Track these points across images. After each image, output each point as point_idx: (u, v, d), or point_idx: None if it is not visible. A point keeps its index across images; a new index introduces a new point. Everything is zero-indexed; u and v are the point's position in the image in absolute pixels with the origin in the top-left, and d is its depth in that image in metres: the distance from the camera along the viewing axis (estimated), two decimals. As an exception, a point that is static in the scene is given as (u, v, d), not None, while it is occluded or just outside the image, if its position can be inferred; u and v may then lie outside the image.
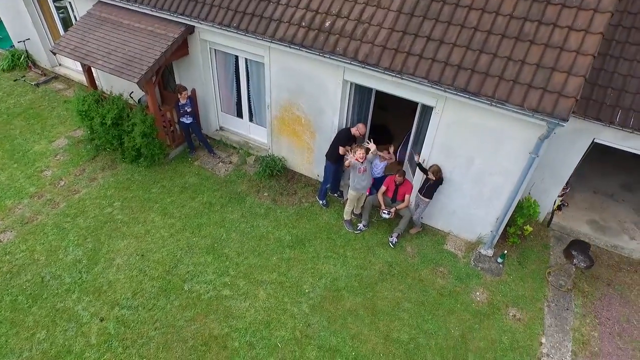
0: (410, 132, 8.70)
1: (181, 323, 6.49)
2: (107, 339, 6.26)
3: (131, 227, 7.91)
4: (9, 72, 12.23)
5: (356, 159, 7.40)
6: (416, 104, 7.52)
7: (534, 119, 5.88)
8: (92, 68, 9.26)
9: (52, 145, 9.71)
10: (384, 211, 7.89)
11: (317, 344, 6.32)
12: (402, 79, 6.49)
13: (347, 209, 8.07)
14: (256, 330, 6.45)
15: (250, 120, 9.59)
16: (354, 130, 7.77)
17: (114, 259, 7.33)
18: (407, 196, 7.95)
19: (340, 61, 6.86)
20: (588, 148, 7.46)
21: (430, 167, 7.31)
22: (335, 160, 7.98)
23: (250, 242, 7.74)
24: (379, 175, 8.45)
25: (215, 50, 8.85)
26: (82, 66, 9.12)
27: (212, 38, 8.44)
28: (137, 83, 7.86)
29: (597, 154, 8.58)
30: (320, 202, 8.56)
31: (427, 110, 7.38)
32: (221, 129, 10.15)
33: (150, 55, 8.12)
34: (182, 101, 8.87)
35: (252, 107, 9.36)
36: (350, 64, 6.77)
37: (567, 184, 8.27)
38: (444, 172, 7.37)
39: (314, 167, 8.96)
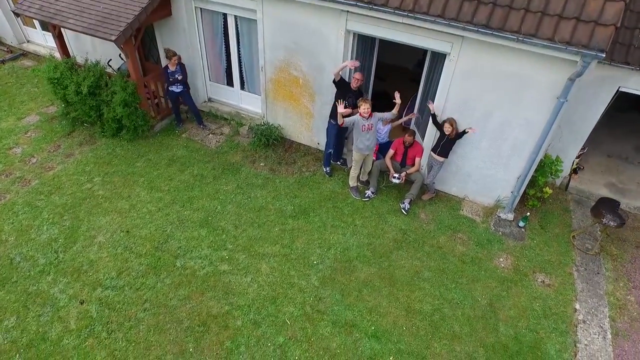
0: (416, 95, 7.97)
1: (174, 302, 5.61)
2: (88, 323, 5.35)
3: (114, 202, 6.99)
4: (-28, 50, 11.16)
5: (360, 115, 6.62)
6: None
7: (566, 53, 5.19)
8: (62, 33, 8.31)
9: (22, 122, 8.70)
10: (394, 176, 7.13)
11: (331, 319, 5.52)
12: (415, 18, 5.72)
13: (352, 174, 7.28)
14: (261, 307, 5.61)
15: (242, 88, 8.72)
16: (353, 84, 6.95)
17: (95, 236, 6.41)
18: (417, 159, 7.21)
19: (344, 3, 6.08)
20: (612, 99, 6.82)
21: (445, 120, 6.57)
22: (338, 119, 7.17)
23: (248, 214, 6.90)
24: (383, 141, 7.70)
25: (201, 9, 7.97)
26: (51, 30, 8.14)
27: (197, -6, 7.60)
28: (115, 42, 6.94)
29: (604, 119, 7.99)
30: (325, 169, 7.76)
31: (439, 60, 6.65)
32: (209, 100, 9.26)
33: (128, 12, 7.21)
34: (172, 68, 7.93)
35: (244, 74, 8.50)
36: (356, 5, 5.97)
37: (584, 144, 7.64)
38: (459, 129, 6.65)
39: (313, 134, 8.16)
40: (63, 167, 7.62)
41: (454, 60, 6.18)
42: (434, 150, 6.91)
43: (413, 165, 7.26)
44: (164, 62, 8.58)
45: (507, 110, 6.27)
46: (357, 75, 6.91)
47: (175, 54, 7.83)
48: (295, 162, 8.02)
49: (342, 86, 6.94)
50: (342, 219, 6.92)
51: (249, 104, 8.77)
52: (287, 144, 8.39)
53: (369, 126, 6.68)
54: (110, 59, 8.59)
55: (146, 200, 7.05)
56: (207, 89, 9.11)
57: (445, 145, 6.71)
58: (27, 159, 7.78)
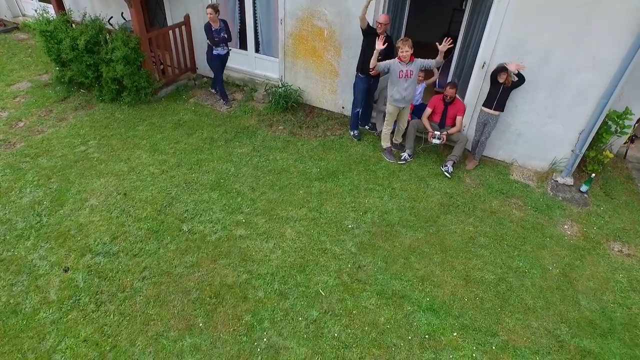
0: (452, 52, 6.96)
1: (180, 270, 4.46)
2: (73, 293, 4.19)
3: (110, 165, 5.89)
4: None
5: (399, 59, 5.58)
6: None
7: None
8: (60, -13, 7.35)
9: (10, 89, 7.64)
10: (434, 135, 6.06)
11: (375, 290, 4.36)
12: None
13: (385, 130, 6.19)
14: (287, 276, 4.45)
15: (257, 51, 7.71)
16: (378, 29, 5.80)
17: (86, 199, 5.29)
18: (459, 118, 6.15)
19: None
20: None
21: (499, 66, 5.54)
22: (367, 71, 6.12)
23: (267, 177, 5.79)
24: (416, 103, 6.64)
25: (213, -43, 7.07)
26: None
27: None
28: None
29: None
30: (351, 132, 6.69)
31: (485, 3, 5.66)
32: (220, 67, 8.26)
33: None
34: (215, 25, 6.68)
35: (260, 33, 7.50)
36: None
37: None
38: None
39: (338, 96, 7.11)
40: (54, 131, 6.54)
41: (508, -8, 5.19)
42: (487, 105, 5.84)
43: (454, 125, 6.20)
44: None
45: (571, 48, 5.23)
46: (382, 19, 5.79)
47: (217, 8, 6.56)
48: (318, 125, 6.95)
49: (370, 33, 5.93)
50: (377, 182, 5.81)
51: (264, 68, 7.72)
52: (307, 109, 7.34)
53: (407, 72, 5.63)
54: (112, 17, 7.61)
55: (148, 162, 5.96)
56: (218, 54, 8.11)
57: (502, 96, 5.66)
58: (14, 122, 6.71)
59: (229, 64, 8.02)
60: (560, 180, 6.02)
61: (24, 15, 10.30)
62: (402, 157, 6.23)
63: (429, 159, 6.36)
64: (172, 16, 7.83)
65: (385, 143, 6.25)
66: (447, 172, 6.00)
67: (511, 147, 6.27)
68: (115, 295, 4.18)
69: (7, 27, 9.94)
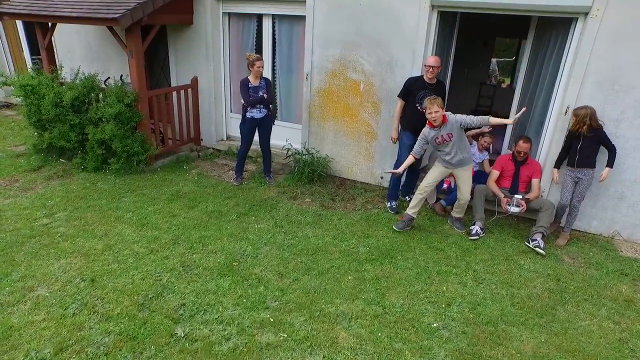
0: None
1: (168, 409, 2.51)
2: None
3: (79, 241, 4.14)
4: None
5: (429, 124, 4.34)
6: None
7: None
8: (52, 45, 6.35)
9: (-24, 158, 6.18)
10: (511, 203, 4.57)
11: None
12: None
13: (422, 185, 4.65)
14: (353, 416, 2.52)
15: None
16: (427, 74, 4.69)
17: (32, 288, 3.44)
18: (535, 181, 4.75)
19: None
20: None
21: (579, 110, 4.31)
22: (414, 127, 4.84)
23: (299, 258, 4.06)
24: (476, 169, 5.28)
25: (229, 15, 6.22)
26: (39, 40, 6.19)
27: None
28: (119, 20, 4.90)
29: None
30: (388, 204, 5.16)
31: (553, 34, 4.68)
32: (228, 138, 6.99)
33: (140, -3, 5.36)
34: (254, 81, 5.28)
35: (278, 95, 6.39)
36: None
37: None
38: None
39: (375, 164, 5.72)
40: (13, 202, 4.88)
41: (597, 17, 4.18)
42: (571, 164, 4.48)
43: (528, 191, 4.77)
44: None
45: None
46: (431, 61, 4.66)
47: (260, 58, 5.19)
48: (355, 198, 5.42)
49: (412, 82, 4.82)
50: (450, 263, 4.11)
51: (281, 138, 6.43)
52: (337, 181, 5.88)
53: (445, 137, 4.33)
54: (109, 77, 6.48)
55: (132, 239, 4.23)
56: (227, 124, 6.90)
57: (586, 149, 4.33)
58: (-37, 192, 5.09)
59: (238, 134, 6.81)
60: (688, 258, 4.41)
61: (14, 95, 9.30)
62: (473, 232, 4.61)
63: (504, 232, 4.76)
64: (178, 80, 6.78)
65: (411, 208, 4.66)
66: (540, 248, 4.35)
67: (609, 216, 4.74)
68: None
69: (-4, 105, 8.89)
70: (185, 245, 4.19)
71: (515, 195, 4.60)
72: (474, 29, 7.95)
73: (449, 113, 4.33)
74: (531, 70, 5.33)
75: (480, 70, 9.72)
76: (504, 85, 12.25)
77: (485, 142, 5.32)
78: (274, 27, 6.02)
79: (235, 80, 6.61)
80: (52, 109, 5.45)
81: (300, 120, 6.15)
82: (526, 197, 4.65)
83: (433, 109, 4.20)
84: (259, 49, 6.25)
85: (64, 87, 5.66)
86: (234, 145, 6.70)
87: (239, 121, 6.11)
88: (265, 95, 5.28)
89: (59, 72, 6.13)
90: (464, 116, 4.31)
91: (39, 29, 6.28)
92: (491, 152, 5.83)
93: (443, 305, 3.49)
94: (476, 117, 4.33)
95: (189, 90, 6.47)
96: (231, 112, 6.82)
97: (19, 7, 5.86)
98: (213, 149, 6.80)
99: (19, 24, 8.71)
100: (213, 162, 6.34)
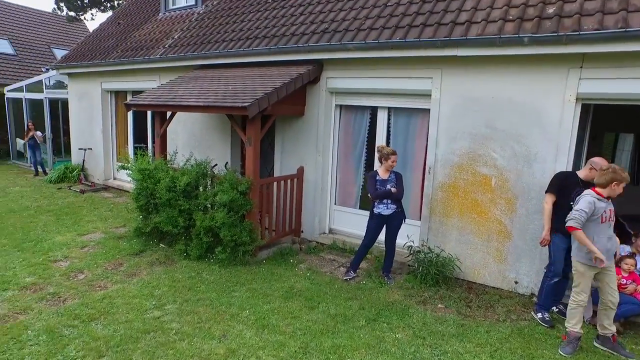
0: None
1: None
2: None
3: (197, 342, 3.52)
4: (55, 184, 9.49)
5: (595, 192, 3.65)
6: None
7: None
8: (166, 136, 6.47)
9: (82, 238, 5.96)
10: None
11: None
12: None
13: (577, 300, 3.71)
14: None
15: (382, 211, 6.00)
16: (584, 173, 4.19)
17: (155, 403, 2.79)
18: None
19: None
20: None
21: None
22: (567, 230, 4.10)
23: (462, 383, 3.18)
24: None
25: (341, 107, 6.15)
26: (156, 128, 6.35)
27: (343, 84, 5.88)
28: (248, 109, 4.85)
29: None
30: (538, 315, 4.23)
31: None
32: (331, 231, 6.48)
33: (266, 86, 5.40)
34: (384, 175, 4.89)
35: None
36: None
37: None
38: None
39: (509, 267, 4.91)
40: (120, 287, 4.45)
41: None
42: None
43: None
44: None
45: None
46: (598, 161, 4.18)
47: (394, 152, 4.88)
48: (493, 306, 4.54)
49: (563, 178, 4.24)
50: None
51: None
52: (465, 284, 5.07)
53: (612, 212, 3.68)
54: (216, 164, 6.39)
55: (255, 344, 3.55)
56: (331, 216, 6.46)
57: None
58: (73, 273, 4.73)
59: (343, 227, 6.34)
60: None
61: (115, 178, 9.61)
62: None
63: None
64: (282, 170, 6.61)
65: (573, 324, 3.69)
66: None
67: None
68: None
69: (95, 187, 9.16)
70: (320, 356, 3.44)
71: None
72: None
73: None
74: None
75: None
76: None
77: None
78: (389, 119, 5.84)
79: (342, 172, 6.33)
80: (165, 193, 5.29)
81: (415, 216, 5.60)
82: None
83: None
84: (370, 141, 6.03)
85: (177, 172, 5.57)
86: (339, 240, 6.17)
87: (345, 213, 5.62)
88: (393, 189, 4.84)
89: (173, 157, 6.14)
90: None
91: (158, 119, 6.50)
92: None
93: None
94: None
95: (295, 180, 6.23)
96: (335, 204, 6.43)
97: (148, 100, 6.13)
98: (316, 242, 6.28)
99: (130, 118, 9.27)
100: (319, 257, 5.78)
